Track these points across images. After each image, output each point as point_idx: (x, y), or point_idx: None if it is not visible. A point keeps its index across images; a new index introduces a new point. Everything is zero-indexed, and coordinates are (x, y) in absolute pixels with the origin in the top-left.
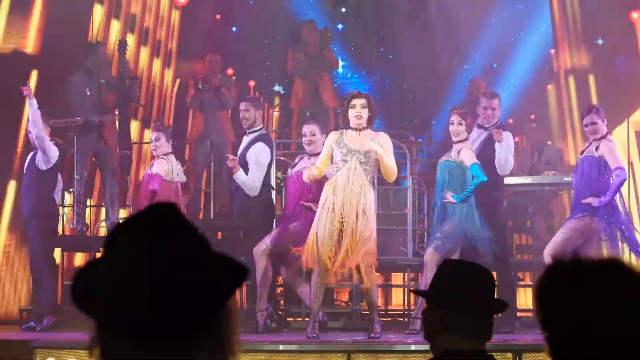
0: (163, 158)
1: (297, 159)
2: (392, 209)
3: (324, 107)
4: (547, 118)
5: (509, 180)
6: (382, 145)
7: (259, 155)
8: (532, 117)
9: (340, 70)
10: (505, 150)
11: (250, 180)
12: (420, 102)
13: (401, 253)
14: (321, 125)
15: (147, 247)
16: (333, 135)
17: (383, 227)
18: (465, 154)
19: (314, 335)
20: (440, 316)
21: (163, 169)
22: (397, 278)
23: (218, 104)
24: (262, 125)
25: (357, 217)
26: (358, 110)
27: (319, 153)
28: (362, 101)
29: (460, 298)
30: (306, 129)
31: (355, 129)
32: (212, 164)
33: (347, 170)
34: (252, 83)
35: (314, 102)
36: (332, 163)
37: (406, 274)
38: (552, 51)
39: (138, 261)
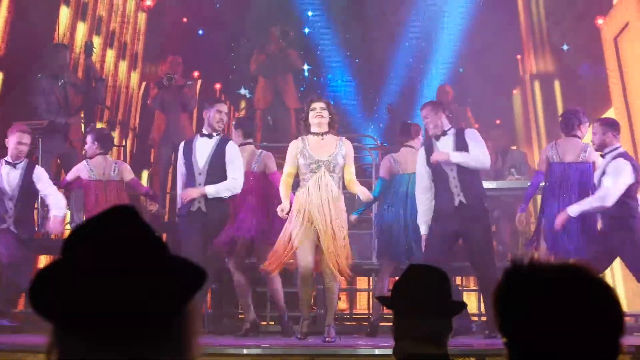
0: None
1: None
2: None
3: (286, 108)
4: (513, 123)
5: None
6: (345, 153)
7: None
8: (498, 122)
9: (306, 73)
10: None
11: (226, 183)
12: (385, 103)
13: (366, 257)
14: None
15: (103, 251)
16: (295, 145)
17: (349, 231)
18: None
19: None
20: (401, 321)
21: (76, 169)
22: (362, 282)
23: (180, 105)
24: None
25: (332, 221)
26: (318, 111)
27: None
28: (322, 104)
29: (417, 303)
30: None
31: (317, 134)
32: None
33: (317, 181)
34: (218, 86)
35: (276, 103)
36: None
37: (371, 278)
38: (518, 56)
39: (94, 265)
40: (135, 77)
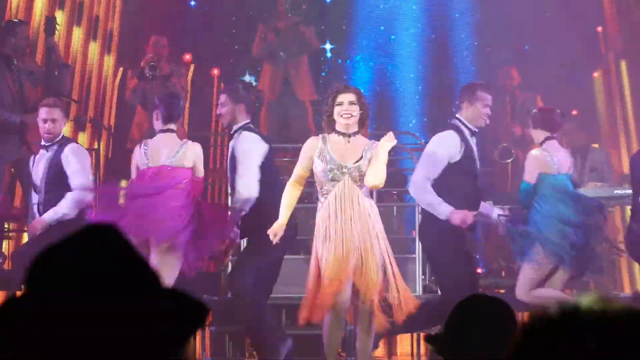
0: None
1: None
2: (394, 232)
3: (297, 100)
4: (593, 113)
5: None
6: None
7: (244, 144)
8: (574, 112)
9: (329, 54)
10: None
11: (240, 187)
12: (432, 95)
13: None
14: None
15: (81, 282)
16: (313, 144)
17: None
18: None
19: None
20: None
21: None
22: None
23: None
24: (247, 121)
25: (370, 243)
26: (346, 108)
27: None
28: (351, 97)
29: (476, 347)
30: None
31: (344, 135)
32: None
33: (341, 193)
34: (216, 72)
35: (285, 95)
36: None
37: None
38: (599, 29)
39: (70, 300)
40: (109, 61)
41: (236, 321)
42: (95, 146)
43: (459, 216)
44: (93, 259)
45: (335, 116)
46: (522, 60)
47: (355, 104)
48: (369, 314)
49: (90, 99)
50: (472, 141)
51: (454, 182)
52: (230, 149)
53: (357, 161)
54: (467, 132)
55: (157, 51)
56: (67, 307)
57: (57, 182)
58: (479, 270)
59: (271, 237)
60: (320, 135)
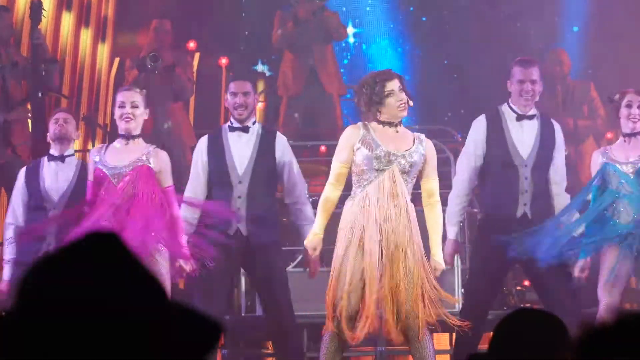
0: None
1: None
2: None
3: (325, 94)
4: None
5: None
6: (426, 159)
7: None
8: None
9: (351, 40)
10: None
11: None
12: (469, 83)
13: (445, 304)
14: (144, 95)
15: (77, 297)
16: (354, 131)
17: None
18: None
19: None
20: None
21: None
22: (440, 340)
23: (170, 92)
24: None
25: (404, 254)
26: (401, 97)
27: (137, 135)
28: (398, 83)
29: None
30: (122, 97)
31: (390, 124)
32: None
33: (385, 184)
34: (224, 61)
35: (310, 88)
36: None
37: (454, 335)
38: None
39: (69, 318)
40: (104, 51)
41: (269, 341)
42: (89, 147)
43: (448, 252)
44: (97, 269)
45: (389, 106)
46: (570, 43)
47: (403, 91)
48: (418, 329)
49: (82, 94)
50: (517, 126)
51: (492, 177)
52: (259, 147)
53: (408, 149)
54: (508, 117)
55: (159, 37)
56: (68, 320)
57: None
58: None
59: (310, 252)
60: (359, 123)
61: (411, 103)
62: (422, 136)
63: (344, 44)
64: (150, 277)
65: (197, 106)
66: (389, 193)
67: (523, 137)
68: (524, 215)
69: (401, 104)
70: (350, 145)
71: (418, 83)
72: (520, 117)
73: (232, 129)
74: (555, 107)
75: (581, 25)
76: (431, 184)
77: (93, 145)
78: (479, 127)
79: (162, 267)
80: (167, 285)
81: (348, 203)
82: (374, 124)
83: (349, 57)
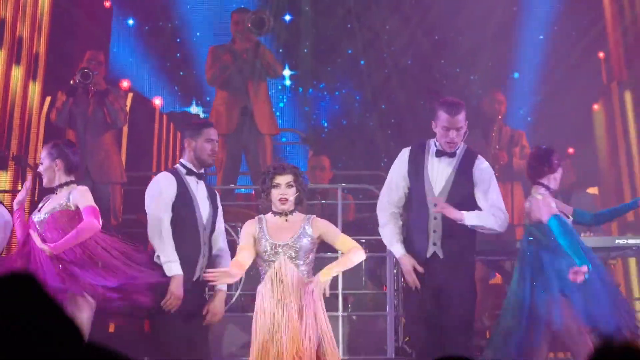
0: None
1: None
2: (364, 287)
3: (258, 134)
4: (593, 152)
5: None
6: (320, 233)
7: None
8: (571, 150)
9: (287, 82)
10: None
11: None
12: (406, 128)
13: (378, 351)
14: (55, 148)
15: None
16: (251, 226)
17: (352, 312)
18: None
19: None
20: None
21: None
22: None
23: (101, 121)
24: None
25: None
26: (283, 191)
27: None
28: (288, 178)
29: None
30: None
31: (280, 214)
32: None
33: (275, 274)
34: (157, 102)
35: (243, 128)
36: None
37: None
38: (601, 54)
39: None
40: (35, 89)
41: None
42: (19, 187)
43: (406, 270)
44: (11, 310)
45: (273, 198)
46: (510, 89)
47: (292, 185)
48: None
49: (13, 133)
50: (435, 162)
51: (409, 214)
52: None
53: (293, 237)
54: (430, 151)
55: (92, 68)
56: None
57: None
58: None
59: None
60: (256, 217)
61: (290, 198)
62: (312, 217)
63: (280, 87)
64: (67, 318)
65: (129, 147)
66: (280, 282)
67: (439, 173)
68: (433, 255)
69: (280, 197)
70: (250, 234)
71: (355, 128)
72: (439, 153)
73: (190, 172)
74: (489, 142)
75: (520, 71)
76: (341, 244)
77: (22, 185)
78: (401, 158)
79: (81, 307)
80: (86, 325)
81: (258, 289)
82: (269, 216)
83: (285, 100)
